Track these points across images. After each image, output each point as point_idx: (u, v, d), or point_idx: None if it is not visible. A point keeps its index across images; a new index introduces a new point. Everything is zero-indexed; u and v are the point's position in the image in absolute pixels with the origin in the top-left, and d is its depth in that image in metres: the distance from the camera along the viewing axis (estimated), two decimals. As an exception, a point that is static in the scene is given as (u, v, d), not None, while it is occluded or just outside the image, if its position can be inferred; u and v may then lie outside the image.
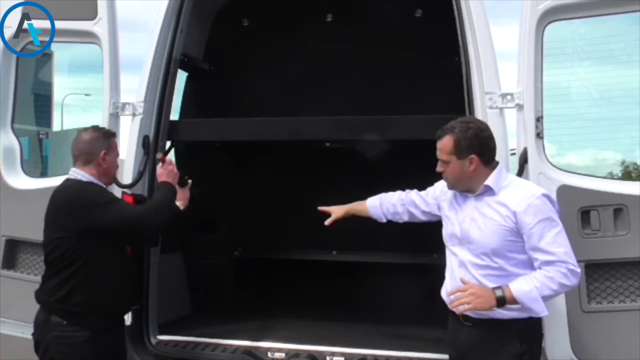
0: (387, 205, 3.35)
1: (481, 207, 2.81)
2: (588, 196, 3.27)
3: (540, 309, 2.64)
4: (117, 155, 3.43)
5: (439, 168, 2.87)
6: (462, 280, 2.76)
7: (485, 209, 2.79)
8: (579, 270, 2.67)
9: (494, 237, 2.73)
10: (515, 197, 2.73)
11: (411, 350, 3.64)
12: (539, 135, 3.34)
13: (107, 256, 3.13)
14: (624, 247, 3.23)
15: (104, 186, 3.31)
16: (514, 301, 2.63)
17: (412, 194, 3.30)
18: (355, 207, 3.45)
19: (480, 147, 2.79)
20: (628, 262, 3.24)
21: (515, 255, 2.73)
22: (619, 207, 3.24)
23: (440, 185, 3.11)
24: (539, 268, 2.68)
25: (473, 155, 2.78)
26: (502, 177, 2.82)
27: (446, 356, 3.13)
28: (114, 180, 3.65)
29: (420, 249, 4.71)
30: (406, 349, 3.64)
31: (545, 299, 2.66)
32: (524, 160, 3.31)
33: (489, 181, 2.79)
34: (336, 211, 3.43)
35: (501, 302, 2.63)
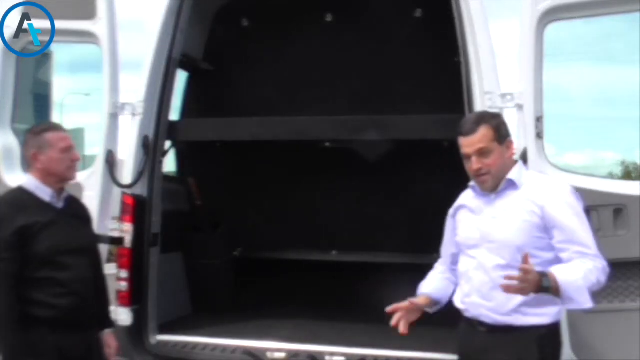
0: (447, 285, 2.94)
1: (503, 203, 2.66)
2: (588, 196, 3.26)
3: (584, 300, 2.42)
4: (62, 149, 2.97)
5: (476, 165, 2.63)
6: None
7: (508, 205, 2.65)
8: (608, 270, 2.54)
9: (519, 234, 2.58)
10: (542, 191, 2.61)
11: (411, 350, 3.64)
12: (539, 135, 3.34)
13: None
14: (624, 247, 3.22)
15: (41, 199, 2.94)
16: (557, 291, 2.40)
17: (443, 262, 3.02)
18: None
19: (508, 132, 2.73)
20: (628, 262, 3.23)
21: (541, 253, 2.56)
22: (618, 207, 3.25)
23: (451, 211, 2.93)
24: (570, 260, 2.50)
25: (510, 138, 2.70)
26: (523, 172, 2.73)
27: (446, 356, 3.12)
28: (71, 177, 3.18)
29: (420, 249, 4.71)
30: (406, 349, 3.64)
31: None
32: (524, 160, 3.31)
33: (512, 175, 2.66)
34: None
35: (544, 291, 2.40)
